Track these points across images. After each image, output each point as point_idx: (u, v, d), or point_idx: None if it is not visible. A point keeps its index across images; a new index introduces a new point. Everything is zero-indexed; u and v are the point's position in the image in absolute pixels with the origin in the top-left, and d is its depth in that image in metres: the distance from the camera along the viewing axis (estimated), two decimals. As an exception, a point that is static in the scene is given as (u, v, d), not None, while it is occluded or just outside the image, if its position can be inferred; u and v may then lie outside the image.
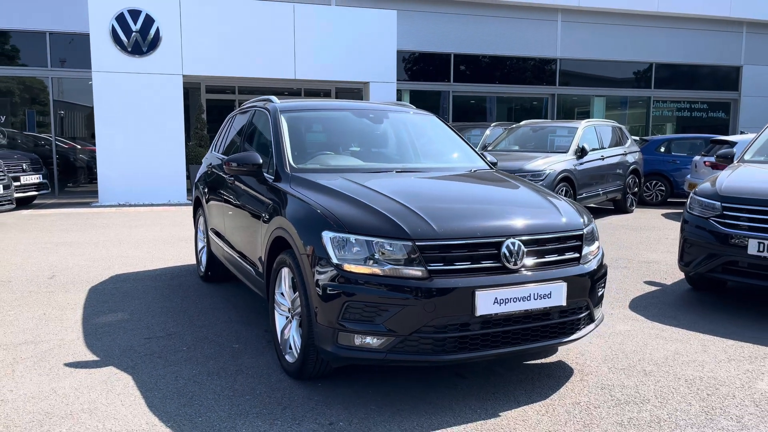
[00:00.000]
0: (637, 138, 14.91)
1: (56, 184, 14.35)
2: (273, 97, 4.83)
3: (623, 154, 11.56)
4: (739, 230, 4.87)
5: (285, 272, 3.52)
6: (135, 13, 12.59)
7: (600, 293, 3.57)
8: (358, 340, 3.02)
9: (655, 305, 5.17)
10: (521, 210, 3.52)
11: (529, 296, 3.12)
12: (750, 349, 4.09)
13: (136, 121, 12.67)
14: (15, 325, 4.48)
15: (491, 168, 4.59)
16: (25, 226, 9.56)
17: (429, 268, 3.00)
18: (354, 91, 15.34)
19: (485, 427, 2.96)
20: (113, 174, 12.63)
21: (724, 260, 4.96)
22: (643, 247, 7.95)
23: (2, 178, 9.41)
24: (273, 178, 3.98)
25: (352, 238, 3.06)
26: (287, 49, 13.45)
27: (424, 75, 17.36)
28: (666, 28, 18.80)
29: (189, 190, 13.26)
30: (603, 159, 10.83)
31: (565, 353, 3.97)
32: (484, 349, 3.11)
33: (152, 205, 12.41)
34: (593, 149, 10.66)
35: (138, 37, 12.62)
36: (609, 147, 11.27)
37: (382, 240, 3.03)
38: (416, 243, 3.01)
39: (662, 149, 13.73)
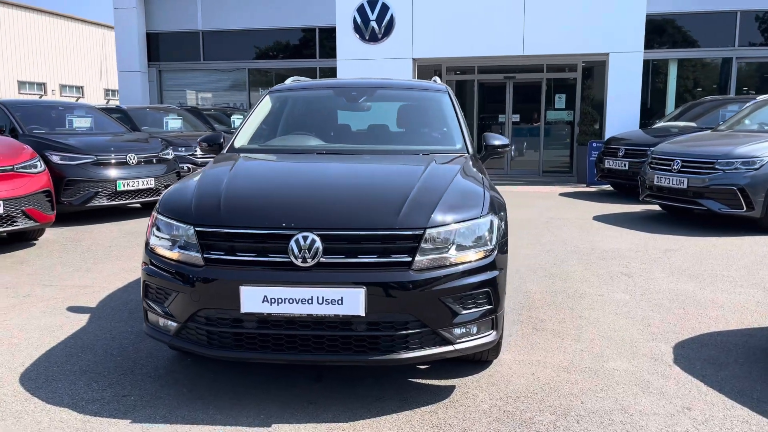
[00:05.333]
0: None
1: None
2: (293, 78, 4.90)
3: None
4: None
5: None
6: (373, 3, 13.54)
7: (465, 313, 2.85)
8: (162, 322, 3.05)
9: (719, 346, 3.76)
10: (350, 201, 3.02)
11: (311, 299, 2.71)
12: (758, 427, 2.76)
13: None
14: (114, 276, 5.49)
15: (465, 155, 3.88)
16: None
17: (206, 255, 2.85)
18: (600, 64, 13.83)
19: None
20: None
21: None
22: None
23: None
24: (218, 158, 4.14)
25: (162, 218, 3.07)
26: (516, 23, 12.85)
27: (692, 40, 14.60)
28: None
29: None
30: None
31: (488, 377, 3.26)
32: (265, 351, 2.83)
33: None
34: None
35: (374, 25, 13.57)
36: None
37: (174, 223, 2.98)
38: (196, 228, 2.89)
39: None
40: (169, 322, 2.98)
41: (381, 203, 2.97)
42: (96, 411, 2.91)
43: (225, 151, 4.06)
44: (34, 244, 6.78)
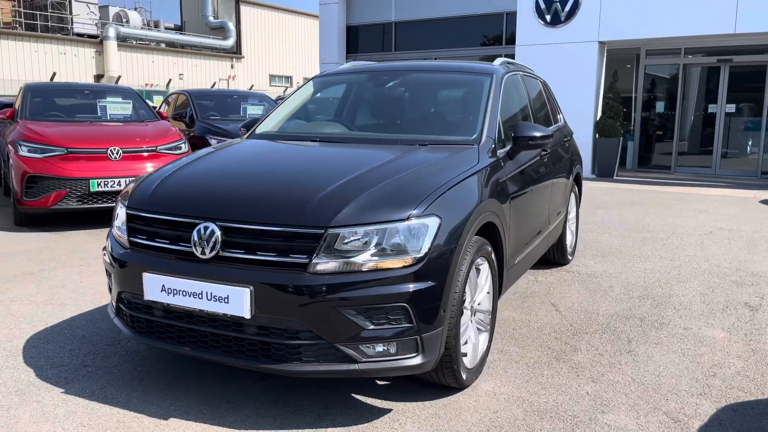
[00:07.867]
0: None
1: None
2: (351, 63, 4.70)
3: None
4: None
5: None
6: (557, -17, 12.54)
7: (374, 329, 2.46)
8: (112, 300, 3.12)
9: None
10: (261, 192, 2.77)
11: (202, 294, 2.54)
12: None
13: (547, 92, 12.76)
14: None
15: (474, 147, 3.30)
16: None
17: (131, 239, 2.84)
18: None
19: (118, 416, 2.67)
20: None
21: None
22: None
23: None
24: (248, 143, 4.12)
25: (119, 201, 3.13)
26: (726, -3, 10.89)
27: None
28: None
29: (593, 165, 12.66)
30: None
31: (440, 407, 2.79)
32: (170, 342, 2.74)
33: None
34: None
35: (557, 7, 12.57)
36: None
37: (121, 205, 3.02)
38: (128, 211, 2.89)
39: None
40: (113, 301, 3.05)
41: (290, 196, 2.66)
42: (48, 377, 3.10)
43: (246, 136, 4.03)
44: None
